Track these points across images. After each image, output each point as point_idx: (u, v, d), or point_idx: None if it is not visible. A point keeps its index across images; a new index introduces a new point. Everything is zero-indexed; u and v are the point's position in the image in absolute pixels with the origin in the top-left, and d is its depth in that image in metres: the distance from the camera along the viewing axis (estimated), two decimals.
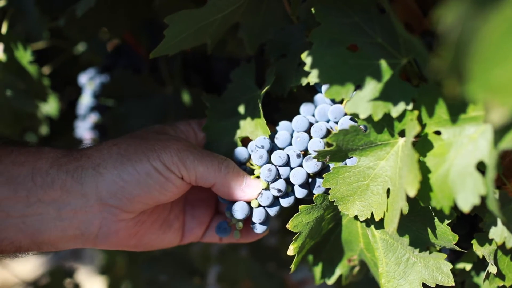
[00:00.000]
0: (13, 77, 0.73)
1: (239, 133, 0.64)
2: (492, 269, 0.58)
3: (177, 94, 0.84)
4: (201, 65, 0.93)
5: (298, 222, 0.57)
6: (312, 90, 0.64)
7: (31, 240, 0.57)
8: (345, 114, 0.58)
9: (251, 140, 0.63)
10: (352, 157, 0.53)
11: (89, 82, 0.90)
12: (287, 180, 0.60)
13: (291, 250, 0.58)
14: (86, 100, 0.91)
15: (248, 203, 0.61)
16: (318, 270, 0.66)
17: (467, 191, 0.45)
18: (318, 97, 0.63)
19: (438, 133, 0.49)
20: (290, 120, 0.63)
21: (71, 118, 0.94)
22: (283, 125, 0.63)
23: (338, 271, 0.65)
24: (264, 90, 0.60)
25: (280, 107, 0.71)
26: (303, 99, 0.66)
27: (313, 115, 0.62)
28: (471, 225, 0.67)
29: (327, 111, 0.60)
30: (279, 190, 0.59)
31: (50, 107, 0.82)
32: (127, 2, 0.74)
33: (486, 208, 0.54)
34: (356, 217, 0.58)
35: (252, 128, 0.62)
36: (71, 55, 0.93)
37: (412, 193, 0.46)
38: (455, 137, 0.48)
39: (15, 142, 0.61)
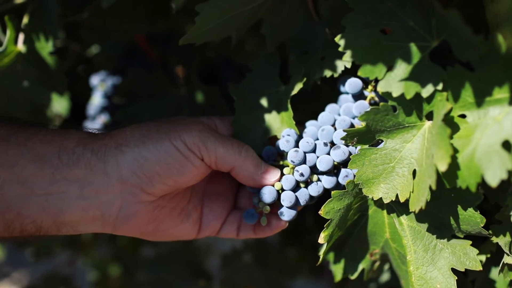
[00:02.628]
0: (31, 68, 0.74)
1: (267, 128, 0.66)
2: (508, 259, 0.60)
3: (191, 94, 0.85)
4: (210, 74, 0.95)
5: (330, 209, 0.58)
6: (332, 84, 0.66)
7: (53, 220, 0.58)
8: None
9: (277, 139, 0.65)
10: (380, 139, 0.55)
11: (100, 83, 0.92)
12: (313, 168, 0.62)
13: (322, 238, 0.59)
14: (96, 101, 0.92)
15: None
16: (339, 266, 0.66)
17: (494, 167, 0.47)
18: (342, 97, 0.65)
19: (462, 116, 0.51)
20: (310, 118, 0.65)
21: (80, 119, 0.95)
22: (310, 123, 0.65)
23: (361, 266, 0.65)
24: (296, 90, 0.62)
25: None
26: (322, 96, 0.68)
27: (339, 114, 0.64)
28: None
29: (352, 108, 0.62)
30: (301, 174, 0.61)
31: (61, 105, 0.82)
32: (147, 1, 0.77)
33: (507, 193, 0.57)
34: (379, 204, 0.60)
35: (279, 125, 0.65)
36: (84, 57, 0.95)
37: (444, 167, 0.47)
38: (480, 120, 0.50)
39: (42, 123, 0.62)
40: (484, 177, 0.47)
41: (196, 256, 1.06)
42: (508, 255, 0.59)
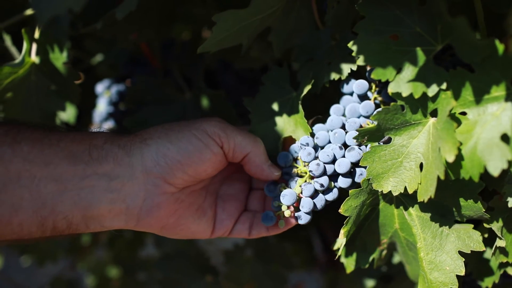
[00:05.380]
0: (45, 78, 0.76)
1: (281, 133, 0.70)
2: (500, 243, 0.65)
3: (197, 99, 0.89)
4: (207, 78, 0.99)
5: (348, 206, 0.62)
6: (335, 85, 0.71)
7: (82, 215, 0.61)
8: (376, 108, 0.66)
9: (291, 141, 0.70)
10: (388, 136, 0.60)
11: (105, 91, 0.95)
12: (330, 176, 0.66)
13: (342, 234, 0.63)
14: (102, 108, 0.95)
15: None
16: (351, 258, 0.71)
17: (495, 158, 0.52)
18: (344, 98, 0.70)
19: (463, 114, 0.57)
20: (316, 115, 0.71)
21: (82, 126, 0.98)
22: (318, 127, 0.69)
23: (371, 257, 0.70)
24: (305, 92, 0.67)
25: None
26: (327, 96, 0.73)
27: (343, 114, 0.69)
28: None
29: (358, 108, 0.67)
30: (321, 185, 0.65)
31: (67, 114, 0.85)
32: (157, 10, 0.80)
33: (504, 181, 0.62)
34: (389, 198, 0.66)
35: (293, 128, 0.69)
36: (88, 66, 0.98)
37: (451, 158, 0.52)
38: (479, 116, 0.55)
39: (70, 127, 0.65)
40: (486, 167, 0.52)
41: (202, 253, 1.10)
42: (500, 238, 0.65)
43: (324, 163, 0.65)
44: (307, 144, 0.67)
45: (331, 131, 0.68)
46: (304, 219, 0.67)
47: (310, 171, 0.65)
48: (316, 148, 0.67)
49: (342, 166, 0.65)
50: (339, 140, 0.66)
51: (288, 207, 0.67)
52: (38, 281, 1.73)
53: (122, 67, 0.98)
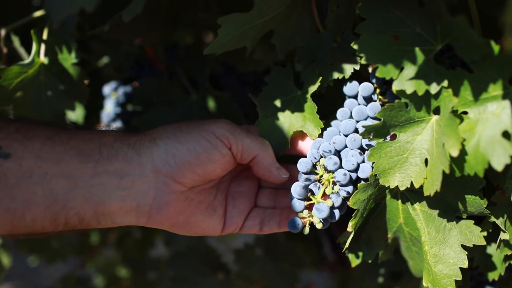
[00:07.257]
0: (54, 78, 0.78)
1: (289, 128, 0.72)
2: (504, 236, 0.66)
3: (202, 100, 0.91)
4: (212, 83, 1.00)
5: (357, 200, 0.64)
6: (337, 86, 0.72)
7: (94, 211, 0.63)
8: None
9: (300, 138, 0.72)
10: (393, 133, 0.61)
11: (112, 92, 0.97)
12: (353, 182, 0.67)
13: (350, 227, 0.64)
14: (109, 109, 0.97)
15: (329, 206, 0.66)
16: (357, 253, 0.72)
17: (498, 154, 0.53)
18: (348, 101, 0.70)
19: (464, 113, 0.58)
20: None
21: (92, 126, 0.99)
22: (330, 132, 0.70)
23: (376, 251, 0.71)
24: (316, 87, 0.68)
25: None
26: (329, 96, 0.74)
27: (351, 117, 0.70)
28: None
29: (365, 110, 0.68)
30: (348, 193, 0.66)
31: (76, 114, 0.86)
32: (162, 13, 0.82)
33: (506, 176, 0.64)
34: (394, 193, 0.67)
35: (301, 123, 0.70)
36: (94, 68, 0.99)
37: (456, 153, 0.54)
38: (480, 114, 0.56)
39: (80, 126, 0.67)
40: (490, 163, 0.54)
41: (213, 251, 1.11)
42: (504, 232, 0.66)
43: (349, 171, 0.66)
44: (330, 151, 0.67)
45: (345, 135, 0.69)
46: (326, 225, 0.68)
47: (337, 181, 0.66)
48: (335, 153, 0.68)
49: (365, 172, 0.66)
50: (356, 145, 0.67)
51: (320, 220, 0.66)
52: (47, 281, 1.75)
53: (128, 69, 0.99)
